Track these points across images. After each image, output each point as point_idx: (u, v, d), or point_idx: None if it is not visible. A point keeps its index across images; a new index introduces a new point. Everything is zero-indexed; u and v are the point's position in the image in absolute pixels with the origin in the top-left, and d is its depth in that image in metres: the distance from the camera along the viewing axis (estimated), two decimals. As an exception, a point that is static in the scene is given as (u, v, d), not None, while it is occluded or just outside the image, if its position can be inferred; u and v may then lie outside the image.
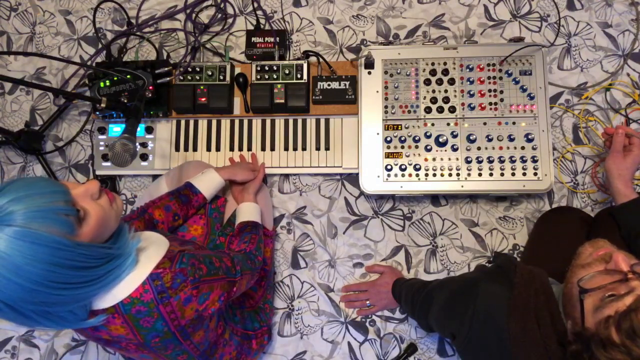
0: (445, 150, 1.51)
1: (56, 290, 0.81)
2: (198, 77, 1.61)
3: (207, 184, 1.42)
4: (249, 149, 1.64)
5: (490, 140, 1.50)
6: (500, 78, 1.53)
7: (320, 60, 1.61)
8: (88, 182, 0.89)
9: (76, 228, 0.83)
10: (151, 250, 1.00)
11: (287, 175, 1.68)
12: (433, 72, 1.55)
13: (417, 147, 1.52)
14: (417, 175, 1.51)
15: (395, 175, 1.51)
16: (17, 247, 0.75)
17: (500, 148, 1.49)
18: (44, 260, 0.78)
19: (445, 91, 1.54)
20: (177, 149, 1.66)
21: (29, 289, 0.78)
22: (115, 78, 1.54)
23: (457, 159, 1.50)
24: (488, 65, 1.54)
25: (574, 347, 0.87)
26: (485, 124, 1.51)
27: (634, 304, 0.78)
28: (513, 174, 1.48)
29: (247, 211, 1.43)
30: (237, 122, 1.66)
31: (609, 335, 0.79)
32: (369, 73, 1.56)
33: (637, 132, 1.32)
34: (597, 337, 0.81)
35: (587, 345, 0.83)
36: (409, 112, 1.54)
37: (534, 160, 1.47)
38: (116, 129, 1.68)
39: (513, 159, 1.48)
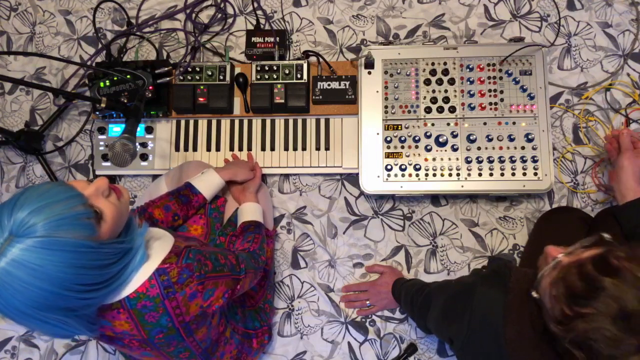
0: (445, 150, 1.51)
1: (83, 293, 0.83)
2: (198, 77, 1.61)
3: (207, 185, 1.41)
4: (249, 149, 1.64)
5: (490, 140, 1.50)
6: (500, 78, 1.53)
7: (320, 60, 1.61)
8: (97, 180, 0.89)
9: (97, 229, 0.84)
10: (157, 246, 1.01)
11: (287, 175, 1.68)
12: (433, 72, 1.55)
13: (417, 147, 1.52)
14: (417, 175, 1.51)
15: (395, 175, 1.51)
16: (47, 257, 0.77)
17: (500, 148, 1.49)
18: (74, 264, 0.80)
19: (445, 91, 1.54)
20: (177, 149, 1.66)
21: (61, 295, 0.80)
22: (115, 78, 1.54)
23: (457, 159, 1.50)
24: (488, 65, 1.54)
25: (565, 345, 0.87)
26: (485, 124, 1.51)
27: (561, 272, 0.83)
28: (513, 174, 1.48)
29: (249, 211, 1.43)
30: (237, 122, 1.66)
31: (562, 311, 0.81)
32: (369, 73, 1.56)
33: (637, 133, 1.34)
34: (563, 322, 0.82)
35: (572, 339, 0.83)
36: (409, 112, 1.54)
37: (534, 160, 1.48)
38: (116, 129, 1.68)
39: (513, 159, 1.48)
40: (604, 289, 0.76)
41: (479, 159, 1.48)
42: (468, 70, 1.54)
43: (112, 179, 1.71)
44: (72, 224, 0.80)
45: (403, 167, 1.51)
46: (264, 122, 1.65)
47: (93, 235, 0.83)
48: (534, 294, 0.89)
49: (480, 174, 1.49)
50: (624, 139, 1.35)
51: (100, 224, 0.86)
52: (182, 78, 1.61)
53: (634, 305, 0.74)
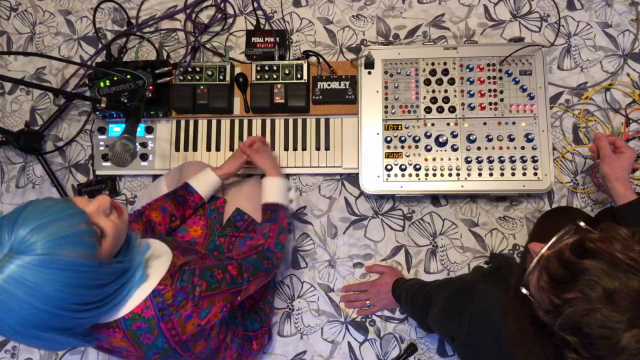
0: (445, 150, 1.51)
1: (78, 312, 0.82)
2: (198, 77, 1.61)
3: (204, 184, 1.40)
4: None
5: (490, 140, 1.50)
6: (500, 78, 1.53)
7: (320, 60, 1.61)
8: (99, 198, 0.88)
9: (97, 248, 0.84)
10: (156, 265, 0.99)
11: (287, 175, 1.68)
12: (433, 72, 1.55)
13: (417, 147, 1.52)
14: (417, 175, 1.51)
15: (395, 175, 1.51)
16: (45, 275, 0.76)
17: (500, 148, 1.49)
18: (71, 284, 0.79)
19: (445, 91, 1.54)
20: (177, 149, 1.66)
21: (55, 315, 0.79)
22: (115, 78, 1.54)
23: (457, 159, 1.50)
24: (488, 65, 1.54)
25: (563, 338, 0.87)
26: (485, 124, 1.51)
27: (543, 264, 0.85)
28: (513, 174, 1.48)
29: (266, 190, 1.36)
30: (237, 122, 1.66)
31: (550, 300, 0.82)
32: (369, 73, 1.56)
33: (616, 137, 1.34)
34: (562, 318, 0.82)
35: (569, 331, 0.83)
36: (409, 112, 1.54)
37: (534, 160, 1.48)
38: (116, 129, 1.68)
39: (513, 159, 1.48)
40: (585, 272, 0.78)
41: (479, 159, 1.48)
42: (468, 70, 1.54)
43: (112, 179, 1.71)
44: (74, 243, 0.79)
45: (403, 167, 1.51)
46: (264, 122, 1.65)
47: (93, 254, 0.82)
48: (524, 290, 0.89)
49: (480, 174, 1.49)
50: (601, 144, 1.33)
51: (100, 242, 0.85)
52: (182, 78, 1.61)
53: (616, 282, 0.75)
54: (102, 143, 1.67)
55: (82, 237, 0.81)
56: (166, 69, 1.60)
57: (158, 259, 1.01)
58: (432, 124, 1.53)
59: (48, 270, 0.76)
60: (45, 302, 0.77)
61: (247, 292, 1.14)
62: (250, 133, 1.64)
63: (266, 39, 1.68)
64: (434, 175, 1.50)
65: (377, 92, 1.55)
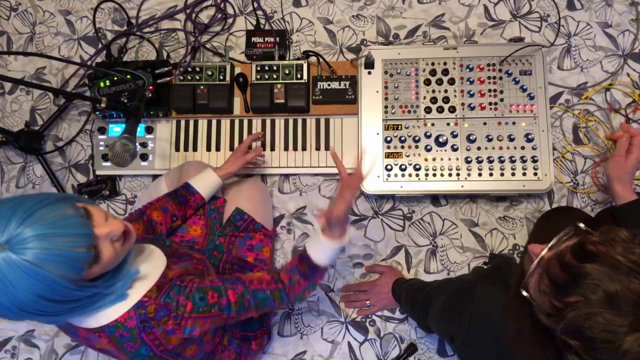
0: (445, 150, 1.51)
1: (36, 316, 0.83)
2: (198, 77, 1.61)
3: (204, 184, 1.41)
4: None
5: (490, 140, 1.50)
6: (500, 78, 1.53)
7: (320, 60, 1.61)
8: (114, 224, 0.87)
9: (84, 272, 0.83)
10: (139, 285, 0.98)
11: (287, 175, 1.68)
12: (433, 72, 1.55)
13: (417, 147, 1.52)
14: (417, 175, 1.51)
15: (395, 175, 1.51)
16: (23, 280, 0.77)
17: (500, 148, 1.49)
18: (42, 296, 0.79)
19: (445, 91, 1.54)
20: (177, 149, 1.66)
21: (13, 311, 0.80)
22: (115, 78, 1.54)
23: (457, 159, 1.50)
24: (488, 65, 1.54)
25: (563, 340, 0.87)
26: (485, 124, 1.51)
27: (544, 267, 0.86)
28: (513, 174, 1.48)
29: (319, 248, 1.11)
30: (237, 122, 1.66)
31: (551, 303, 0.82)
32: (369, 73, 1.56)
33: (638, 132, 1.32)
34: (560, 319, 0.82)
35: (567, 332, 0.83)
36: (409, 112, 1.54)
37: (534, 160, 1.48)
38: (116, 129, 1.68)
39: (513, 159, 1.48)
40: (586, 275, 0.78)
41: (479, 159, 1.48)
42: (468, 70, 1.54)
43: (112, 179, 1.71)
44: (64, 263, 0.79)
45: (403, 167, 1.51)
46: (264, 122, 1.65)
47: (77, 277, 0.82)
48: (524, 293, 0.89)
49: (480, 174, 1.49)
50: (622, 142, 1.32)
51: (91, 266, 0.84)
52: (182, 78, 1.61)
53: (617, 285, 0.75)
54: (102, 143, 1.67)
55: (75, 262, 0.80)
56: (166, 69, 1.60)
57: (143, 280, 0.98)
58: (432, 124, 1.53)
59: (27, 277, 0.77)
60: (9, 299, 0.78)
61: (245, 316, 1.10)
62: (250, 133, 1.64)
63: (266, 39, 1.68)
64: (434, 175, 1.50)
65: (377, 92, 1.55)
